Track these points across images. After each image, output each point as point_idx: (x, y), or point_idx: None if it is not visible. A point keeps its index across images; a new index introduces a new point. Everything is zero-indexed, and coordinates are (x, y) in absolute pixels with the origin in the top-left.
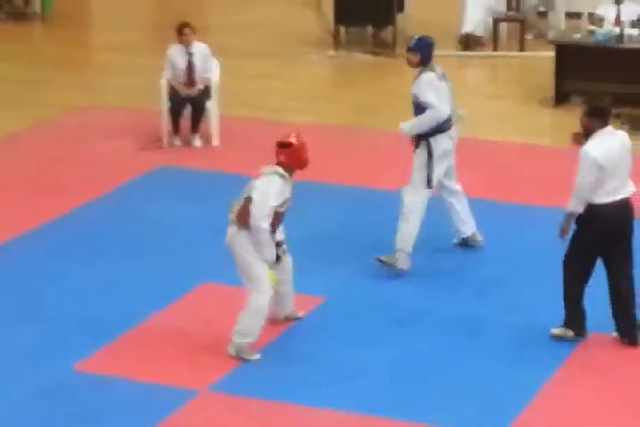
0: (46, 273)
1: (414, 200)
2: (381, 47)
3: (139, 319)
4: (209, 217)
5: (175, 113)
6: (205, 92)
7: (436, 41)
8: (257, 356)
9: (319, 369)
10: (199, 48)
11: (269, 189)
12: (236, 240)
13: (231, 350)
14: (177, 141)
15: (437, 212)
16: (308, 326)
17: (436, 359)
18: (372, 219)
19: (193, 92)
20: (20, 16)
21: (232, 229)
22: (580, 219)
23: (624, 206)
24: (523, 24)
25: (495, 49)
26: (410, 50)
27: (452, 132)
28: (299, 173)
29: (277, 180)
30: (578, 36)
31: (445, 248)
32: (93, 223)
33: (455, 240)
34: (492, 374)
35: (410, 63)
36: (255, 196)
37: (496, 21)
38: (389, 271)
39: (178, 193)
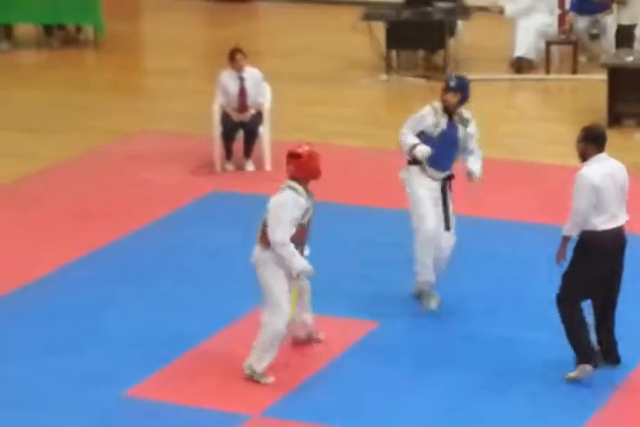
0: (99, 298)
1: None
2: (433, 71)
3: (190, 345)
4: None
5: (228, 138)
6: (258, 117)
7: (488, 65)
8: (271, 379)
9: (371, 395)
10: (251, 73)
11: (281, 203)
12: (260, 260)
13: (247, 370)
14: (229, 166)
15: None
16: (361, 351)
17: (489, 384)
18: None
19: (245, 117)
20: (72, 42)
21: (257, 249)
22: (581, 248)
23: (620, 234)
24: (575, 47)
25: (547, 72)
26: (450, 89)
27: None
28: (349, 197)
29: (288, 193)
30: (630, 58)
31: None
32: (146, 249)
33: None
34: (543, 401)
35: (449, 104)
36: (269, 212)
37: (548, 44)
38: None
39: (230, 218)
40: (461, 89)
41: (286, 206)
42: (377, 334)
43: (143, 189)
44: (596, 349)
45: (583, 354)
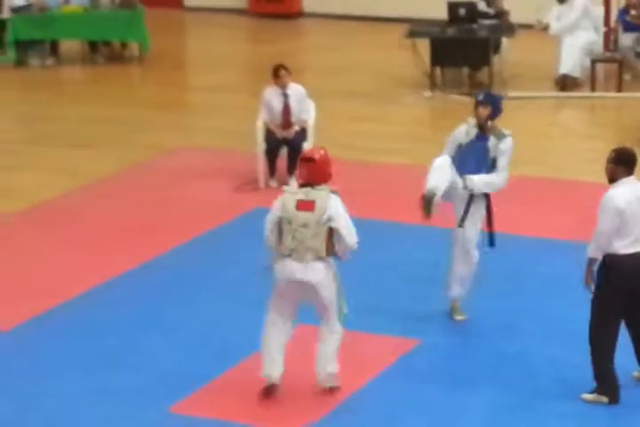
0: (142, 314)
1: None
2: (477, 89)
3: (233, 361)
4: None
5: (271, 155)
6: (302, 134)
7: (533, 82)
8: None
9: (414, 414)
10: (295, 89)
11: (341, 208)
12: (328, 278)
13: (328, 383)
14: (273, 183)
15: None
16: (404, 369)
17: (530, 404)
18: None
19: (289, 133)
20: (117, 59)
21: (319, 267)
22: (603, 270)
23: None
24: (620, 65)
25: (592, 90)
26: (480, 103)
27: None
28: (391, 215)
29: (335, 197)
30: None
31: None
32: (189, 265)
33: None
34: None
35: (480, 117)
36: (339, 221)
37: (593, 62)
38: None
39: None
40: (491, 102)
41: (344, 209)
42: (417, 353)
43: (187, 205)
44: (618, 386)
45: (603, 385)
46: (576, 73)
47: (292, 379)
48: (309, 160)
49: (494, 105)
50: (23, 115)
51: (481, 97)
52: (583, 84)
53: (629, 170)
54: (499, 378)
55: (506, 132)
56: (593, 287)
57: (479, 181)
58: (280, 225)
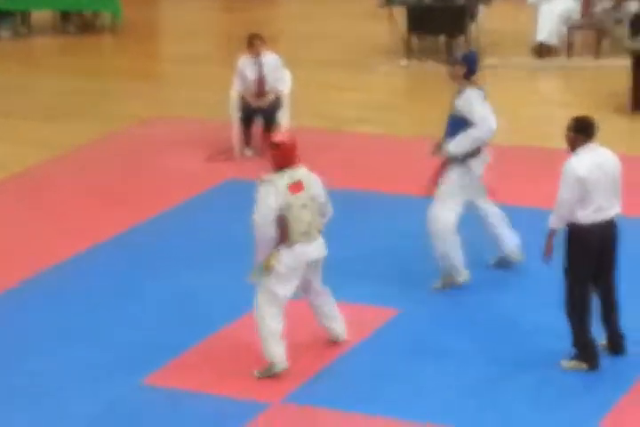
0: (116, 285)
1: (439, 212)
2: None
3: (209, 332)
4: None
5: (246, 124)
6: (276, 103)
7: (510, 50)
8: None
9: (391, 382)
10: (270, 59)
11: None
12: None
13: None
14: (248, 152)
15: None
16: (381, 338)
17: (515, 370)
18: None
19: (264, 102)
20: (89, 29)
21: (322, 239)
22: (569, 240)
23: (609, 226)
24: (598, 32)
25: (569, 57)
26: (457, 62)
27: (485, 156)
28: (370, 184)
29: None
30: None
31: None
32: (164, 235)
33: (492, 261)
34: (561, 389)
35: (453, 77)
36: (323, 195)
37: (570, 29)
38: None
39: (248, 205)
40: (467, 61)
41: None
42: (397, 322)
43: (161, 175)
44: (597, 352)
45: (582, 352)
46: (553, 40)
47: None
48: (279, 146)
49: (470, 64)
50: None
51: (458, 56)
52: (560, 52)
53: (589, 138)
54: (479, 348)
55: (466, 89)
56: (550, 257)
57: (453, 142)
58: (281, 216)
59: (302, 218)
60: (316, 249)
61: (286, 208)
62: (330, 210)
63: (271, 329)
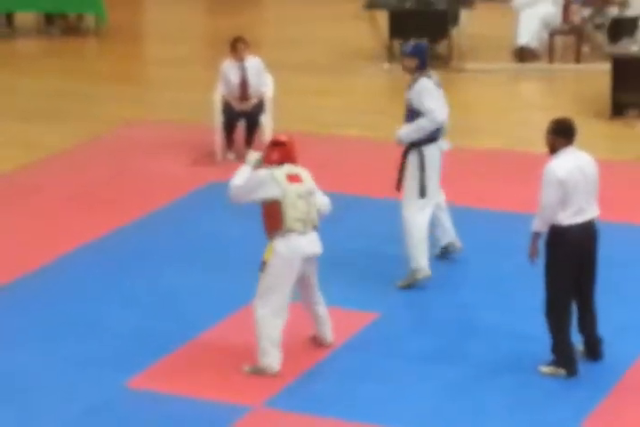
0: (100, 287)
1: (412, 213)
2: (436, 60)
3: (192, 335)
4: (262, 232)
5: (229, 127)
6: (259, 107)
7: (491, 54)
8: None
9: (373, 386)
10: (253, 62)
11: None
12: None
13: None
14: (230, 156)
15: None
16: (363, 341)
17: (494, 374)
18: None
19: (247, 106)
20: (74, 31)
21: (317, 235)
22: (550, 242)
23: (590, 228)
24: (578, 37)
25: (550, 62)
26: (407, 55)
27: (442, 143)
28: (350, 188)
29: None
30: (634, 48)
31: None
32: (146, 238)
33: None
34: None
35: (407, 69)
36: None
37: (552, 34)
38: (417, 285)
39: (231, 208)
40: (417, 53)
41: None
42: (377, 326)
43: (144, 178)
44: (576, 358)
45: (561, 359)
46: (534, 44)
47: (253, 351)
48: (285, 143)
49: (420, 56)
50: None
51: (408, 49)
52: (541, 56)
53: (569, 140)
54: (458, 350)
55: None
56: (535, 260)
57: (403, 130)
58: (275, 202)
59: (298, 206)
60: (310, 243)
61: (281, 196)
62: (326, 208)
63: (269, 330)
